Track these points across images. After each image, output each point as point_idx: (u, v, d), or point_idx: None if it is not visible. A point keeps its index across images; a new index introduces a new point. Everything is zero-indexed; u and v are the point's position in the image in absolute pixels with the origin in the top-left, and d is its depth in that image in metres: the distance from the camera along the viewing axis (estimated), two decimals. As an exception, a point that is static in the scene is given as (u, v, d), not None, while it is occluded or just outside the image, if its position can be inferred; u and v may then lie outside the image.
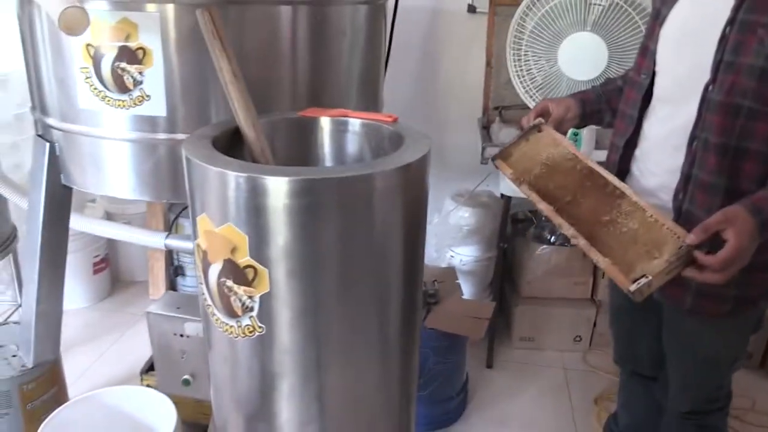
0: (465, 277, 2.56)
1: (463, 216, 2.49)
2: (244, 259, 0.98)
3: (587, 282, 2.55)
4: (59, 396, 1.86)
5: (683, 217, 1.25)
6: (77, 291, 2.78)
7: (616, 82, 1.53)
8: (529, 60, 2.01)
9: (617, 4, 1.88)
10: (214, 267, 1.03)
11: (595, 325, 2.57)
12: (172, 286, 2.90)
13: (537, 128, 1.38)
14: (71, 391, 1.96)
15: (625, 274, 1.11)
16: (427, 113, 2.73)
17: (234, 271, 1.00)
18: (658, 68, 1.31)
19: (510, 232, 2.59)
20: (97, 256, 2.87)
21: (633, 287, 1.08)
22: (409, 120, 2.72)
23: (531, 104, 2.00)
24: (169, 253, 2.88)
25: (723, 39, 1.17)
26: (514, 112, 2.50)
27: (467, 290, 2.61)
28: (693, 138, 1.22)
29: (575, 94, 1.53)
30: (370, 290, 1.06)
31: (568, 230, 1.22)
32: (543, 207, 1.27)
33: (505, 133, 2.34)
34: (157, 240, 1.64)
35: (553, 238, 2.52)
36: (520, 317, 2.57)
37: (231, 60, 1.20)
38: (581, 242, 1.19)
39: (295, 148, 1.28)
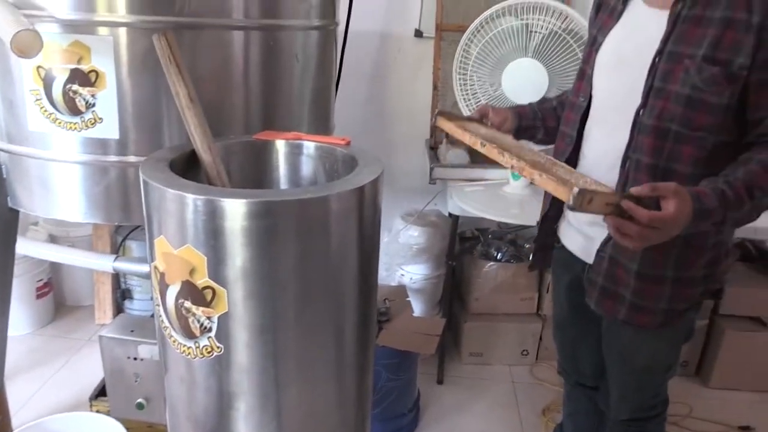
0: (415, 294, 2.61)
1: (413, 235, 2.54)
2: (202, 280, 1.00)
3: (533, 297, 2.63)
4: (2, 426, 1.81)
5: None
6: (20, 316, 2.69)
7: (552, 102, 1.61)
8: (474, 84, 2.09)
9: (556, 32, 1.98)
10: (172, 288, 1.05)
11: (541, 339, 2.66)
12: (119, 309, 2.85)
13: (482, 122, 1.43)
14: (15, 420, 1.91)
15: (567, 185, 1.06)
16: (376, 135, 2.78)
17: (192, 293, 1.02)
18: (594, 92, 1.39)
19: (458, 250, 2.66)
20: (40, 281, 2.80)
21: (574, 191, 1.02)
22: (359, 142, 2.76)
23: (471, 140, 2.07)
24: (116, 277, 2.83)
25: (653, 67, 1.25)
26: (460, 134, 2.57)
27: (417, 308, 2.66)
28: (626, 158, 1.30)
29: (513, 108, 1.58)
30: (327, 309, 1.09)
31: (509, 156, 1.18)
32: (484, 142, 1.25)
33: (452, 155, 2.42)
34: (105, 263, 1.63)
35: (499, 255, 2.59)
36: (469, 333, 2.63)
37: (188, 84, 1.22)
38: (521, 164, 1.15)
39: (251, 171, 1.31)
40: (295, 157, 1.29)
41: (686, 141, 1.23)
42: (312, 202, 0.98)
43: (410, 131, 2.75)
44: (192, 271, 1.00)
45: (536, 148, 1.39)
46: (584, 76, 1.42)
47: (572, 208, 1.04)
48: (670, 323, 1.39)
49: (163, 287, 1.06)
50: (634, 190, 1.09)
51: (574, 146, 1.43)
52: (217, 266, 0.99)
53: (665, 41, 1.24)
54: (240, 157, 1.30)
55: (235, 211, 0.96)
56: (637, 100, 1.28)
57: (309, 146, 1.29)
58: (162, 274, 1.06)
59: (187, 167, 1.20)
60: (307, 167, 1.29)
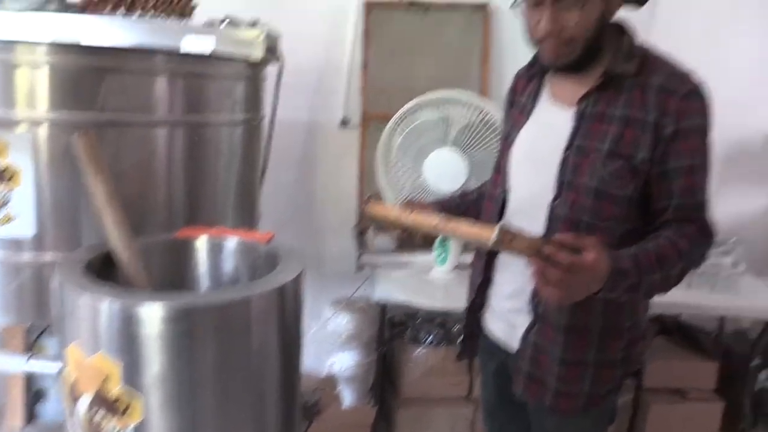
0: (346, 383, 2.56)
1: (342, 322, 2.52)
2: (116, 389, 0.96)
3: (463, 381, 2.63)
4: None
5: (539, 320, 1.37)
6: None
7: (473, 194, 1.67)
8: (398, 172, 2.15)
9: (473, 124, 2.09)
10: (84, 398, 1.00)
11: (473, 422, 2.64)
12: (31, 412, 2.67)
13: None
14: None
15: (488, 228, 1.07)
16: (304, 222, 2.80)
17: (105, 402, 0.98)
18: (510, 184, 1.45)
19: (388, 336, 2.65)
20: (-58, 382, 2.60)
21: (496, 231, 1.04)
22: (287, 229, 2.78)
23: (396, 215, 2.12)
24: (28, 377, 2.66)
25: (563, 162, 1.33)
26: (387, 220, 2.62)
27: (349, 396, 2.60)
28: (543, 249, 1.36)
29: (436, 202, 1.63)
30: (248, 411, 1.07)
31: (432, 218, 1.19)
32: (409, 214, 1.26)
33: (379, 241, 2.45)
34: (17, 363, 1.55)
35: (429, 339, 2.60)
36: (401, 420, 2.58)
37: (107, 183, 1.21)
38: (444, 222, 1.16)
39: (171, 270, 1.29)
40: (216, 254, 1.29)
41: (597, 230, 1.29)
42: (232, 304, 0.98)
43: (338, 218, 2.77)
44: (105, 380, 0.97)
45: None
46: (501, 169, 1.48)
47: (495, 247, 1.05)
48: (593, 406, 1.42)
49: (74, 397, 1.02)
50: (557, 236, 1.11)
51: None
52: (132, 373, 0.96)
53: (573, 137, 1.32)
54: (160, 256, 1.28)
55: (152, 316, 0.94)
56: (551, 193, 1.34)
57: (231, 243, 1.29)
58: (73, 383, 1.02)
59: (105, 267, 1.17)
60: (228, 264, 1.29)
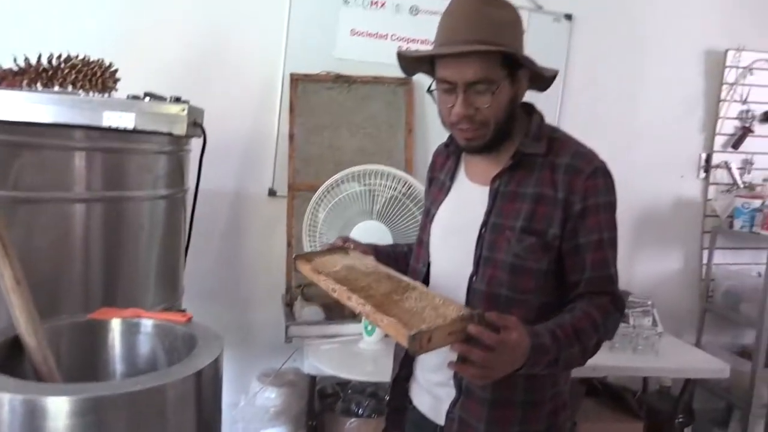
0: (276, 459, 2.48)
1: (270, 397, 2.46)
2: (17, 489, 0.90)
3: (397, 452, 2.59)
4: None
5: (464, 393, 1.37)
6: None
7: (403, 247, 1.67)
8: (324, 243, 2.15)
9: (397, 196, 2.13)
10: (-19, 501, 0.93)
11: (407, 494, 2.58)
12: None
13: (345, 250, 1.44)
14: None
15: (406, 328, 1.06)
16: (231, 293, 2.75)
17: (5, 504, 0.91)
18: (431, 259, 1.48)
19: (318, 408, 2.59)
20: None
21: (412, 333, 1.03)
22: (214, 301, 2.73)
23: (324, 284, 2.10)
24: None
25: (480, 238, 1.37)
26: (315, 290, 2.60)
27: (279, 473, 2.52)
28: (465, 322, 1.38)
29: (369, 244, 1.59)
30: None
31: (356, 301, 1.19)
32: (335, 287, 1.25)
33: (307, 311, 2.43)
34: None
35: (360, 410, 2.55)
36: (334, 496, 2.51)
37: (14, 265, 1.16)
38: (367, 308, 1.15)
39: (83, 353, 1.24)
40: (131, 336, 1.25)
41: (515, 304, 1.33)
42: (144, 393, 0.94)
43: (266, 288, 2.74)
44: (5, 480, 0.91)
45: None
46: (422, 243, 1.51)
47: (413, 354, 1.05)
48: None
49: (-30, 499, 0.95)
50: (480, 314, 1.13)
51: None
52: (36, 470, 0.90)
53: (488, 214, 1.36)
54: (71, 339, 1.23)
55: (58, 409, 0.89)
56: (470, 268, 1.37)
57: (147, 324, 1.25)
58: (-31, 485, 0.95)
59: (11, 354, 1.11)
60: (144, 346, 1.25)
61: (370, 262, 1.40)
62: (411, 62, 1.43)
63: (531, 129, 1.37)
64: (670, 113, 3.13)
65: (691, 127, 3.18)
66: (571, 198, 1.30)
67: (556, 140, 1.37)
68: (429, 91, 1.38)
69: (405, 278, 1.32)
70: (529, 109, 1.42)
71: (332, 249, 1.47)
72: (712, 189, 3.21)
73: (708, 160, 3.20)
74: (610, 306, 1.33)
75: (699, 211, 3.23)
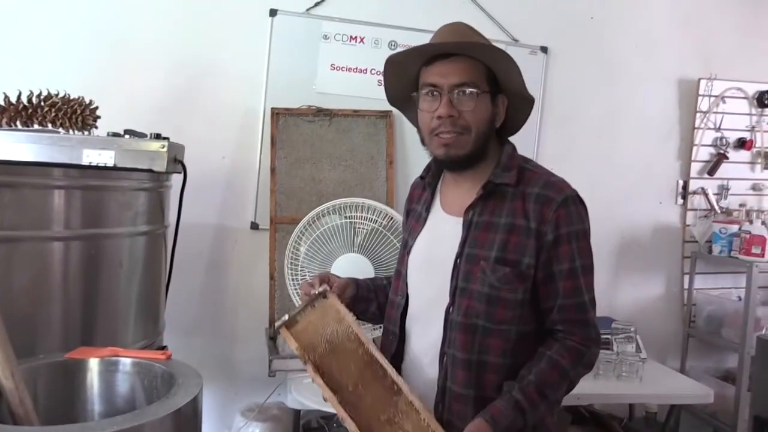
0: (260, 496, 2.44)
1: (254, 432, 2.43)
2: None
3: (383, 485, 2.56)
4: None
5: (445, 426, 1.36)
6: None
7: (382, 281, 1.68)
8: (305, 276, 2.16)
9: (377, 229, 2.15)
10: None
11: None
12: None
13: (323, 295, 1.44)
14: None
15: None
16: (214, 327, 2.73)
17: None
18: (409, 291, 1.49)
19: (303, 443, 2.56)
20: None
21: None
22: (197, 335, 2.71)
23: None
24: None
25: (455, 269, 1.38)
26: (299, 323, 2.60)
27: None
28: (443, 354, 1.38)
29: (349, 278, 1.60)
30: None
31: (350, 425, 1.27)
32: (328, 396, 1.31)
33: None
34: None
35: (345, 443, 2.53)
36: None
37: (-10, 306, 1.16)
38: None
39: (61, 393, 1.23)
40: (110, 375, 1.24)
41: (492, 334, 1.34)
42: (122, 434, 0.94)
43: (249, 321, 2.72)
44: None
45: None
46: (400, 275, 1.52)
47: None
48: None
49: None
50: None
51: (398, 342, 1.49)
52: None
53: (462, 245, 1.38)
54: (49, 379, 1.22)
55: (33, 452, 0.89)
56: (447, 299, 1.38)
57: (125, 363, 1.24)
58: None
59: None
60: (123, 385, 1.24)
61: (350, 324, 1.41)
62: (398, 79, 1.45)
63: (501, 159, 1.40)
64: (647, 141, 3.19)
65: (667, 154, 3.24)
66: (543, 228, 1.32)
67: (527, 170, 1.39)
68: (415, 95, 1.40)
69: (387, 367, 1.35)
70: (502, 139, 1.45)
71: (312, 300, 1.45)
72: (690, 215, 3.26)
73: (685, 186, 3.26)
74: (581, 347, 1.35)
75: (678, 237, 3.28)
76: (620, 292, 3.19)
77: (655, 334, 3.14)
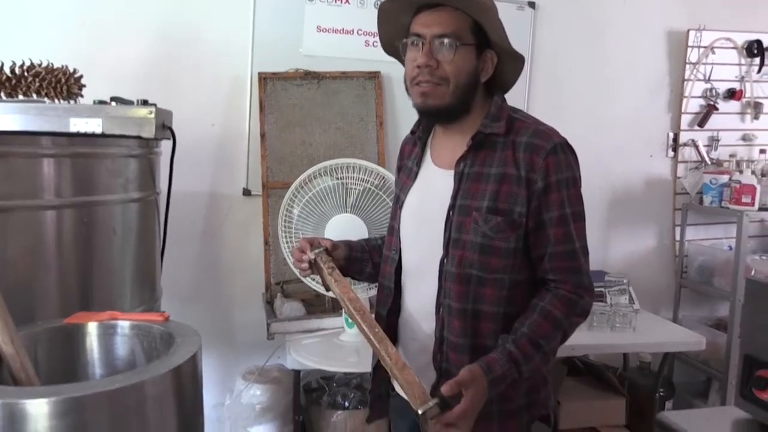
0: (264, 456, 2.49)
1: (255, 394, 2.47)
2: (0, 494, 0.91)
3: (384, 442, 2.61)
4: None
5: (444, 374, 1.39)
6: None
7: (377, 240, 1.70)
8: (300, 238, 2.16)
9: (370, 188, 2.15)
10: (-35, 508, 0.94)
11: (397, 483, 2.61)
12: None
13: (318, 258, 1.46)
14: None
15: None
16: (211, 293, 2.75)
17: None
18: (402, 246, 1.50)
19: (304, 403, 2.60)
20: None
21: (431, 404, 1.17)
22: (193, 303, 2.73)
23: (305, 280, 2.12)
24: None
25: (448, 220, 1.39)
26: (295, 286, 2.62)
27: (268, 470, 2.53)
28: (439, 305, 1.40)
29: (341, 240, 1.63)
30: (148, 500, 1.03)
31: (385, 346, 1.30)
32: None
33: (288, 307, 2.44)
34: None
35: (346, 402, 2.57)
36: (325, 489, 2.53)
37: (-14, 275, 1.16)
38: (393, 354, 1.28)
39: (61, 358, 1.24)
40: (109, 338, 1.25)
41: (486, 284, 1.36)
42: (123, 391, 0.95)
43: (246, 287, 2.74)
44: (-12, 485, 0.91)
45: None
46: (393, 231, 1.53)
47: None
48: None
49: (-45, 507, 0.95)
50: (443, 390, 1.21)
51: (393, 297, 1.51)
52: (19, 474, 0.91)
53: (455, 197, 1.39)
54: (49, 345, 1.23)
55: (38, 412, 0.90)
56: (440, 251, 1.40)
57: (124, 326, 1.25)
58: (-48, 493, 0.95)
59: (-12, 363, 1.12)
60: (123, 348, 1.25)
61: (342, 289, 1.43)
62: (390, 28, 1.46)
63: (491, 110, 1.40)
64: (637, 95, 3.19)
65: (657, 107, 3.24)
66: (533, 176, 1.33)
67: (516, 120, 1.40)
68: (400, 45, 1.41)
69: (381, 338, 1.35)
70: (491, 91, 1.44)
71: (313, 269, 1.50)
72: (681, 167, 3.28)
73: (675, 139, 3.26)
74: (573, 296, 1.36)
75: (669, 189, 3.30)
76: (613, 246, 3.22)
77: (647, 286, 3.18)
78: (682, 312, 3.33)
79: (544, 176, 1.33)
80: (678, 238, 3.30)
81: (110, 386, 0.95)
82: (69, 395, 0.91)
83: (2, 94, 1.79)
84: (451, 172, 1.41)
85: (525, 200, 1.33)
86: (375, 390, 1.62)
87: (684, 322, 3.19)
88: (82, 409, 0.92)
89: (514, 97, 1.46)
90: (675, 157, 3.27)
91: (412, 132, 1.55)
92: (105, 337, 1.25)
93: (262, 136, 2.64)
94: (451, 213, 1.39)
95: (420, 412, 1.18)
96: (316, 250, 1.48)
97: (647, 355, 2.99)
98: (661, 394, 2.95)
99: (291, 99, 2.70)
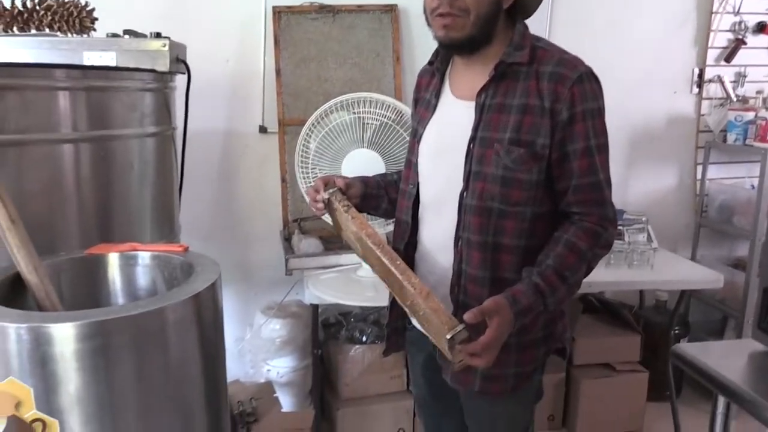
0: (284, 389, 2.56)
1: (275, 328, 2.52)
2: (30, 413, 0.94)
3: (401, 375, 2.66)
4: None
5: (461, 307, 1.40)
6: None
7: (393, 176, 1.68)
8: (317, 174, 2.16)
9: (387, 123, 2.13)
10: (-2, 426, 0.97)
11: (414, 415, 2.67)
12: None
13: (333, 197, 1.46)
14: None
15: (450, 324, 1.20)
16: (229, 231, 2.77)
17: (21, 428, 0.95)
18: (420, 179, 1.49)
19: (323, 338, 2.65)
20: None
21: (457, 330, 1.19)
22: (212, 241, 2.76)
23: (323, 217, 2.13)
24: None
25: (468, 153, 1.37)
26: (312, 223, 2.64)
27: (288, 401, 2.60)
28: (458, 238, 1.40)
29: (356, 177, 1.62)
30: (173, 423, 1.06)
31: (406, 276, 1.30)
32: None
33: (305, 244, 2.46)
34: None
35: (364, 337, 2.62)
36: (343, 420, 2.60)
37: (7, 205, 1.17)
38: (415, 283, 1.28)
39: (84, 288, 1.26)
40: (130, 268, 1.27)
41: (507, 216, 1.35)
42: (145, 316, 0.96)
43: (263, 224, 2.76)
44: (18, 405, 0.94)
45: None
46: (411, 165, 1.52)
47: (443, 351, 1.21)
48: (521, 386, 1.47)
49: (-12, 426, 0.98)
50: (466, 318, 1.22)
51: (411, 231, 1.51)
52: (47, 395, 0.94)
53: (476, 128, 1.36)
54: (71, 275, 1.25)
55: (63, 335, 0.92)
56: (460, 184, 1.38)
57: (144, 256, 1.27)
58: (-15, 413, 0.98)
59: (13, 291, 1.14)
60: (144, 278, 1.27)
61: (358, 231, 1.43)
62: None
63: (513, 39, 1.36)
64: (662, 28, 3.08)
65: (683, 41, 3.14)
66: (557, 106, 1.29)
67: (540, 49, 1.36)
68: None
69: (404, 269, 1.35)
70: (514, 20, 1.40)
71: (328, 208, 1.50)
72: (705, 104, 3.20)
73: (701, 74, 3.17)
74: (597, 228, 1.34)
75: (692, 127, 3.23)
76: (632, 184, 3.18)
77: (666, 225, 3.15)
78: (700, 251, 3.31)
79: (569, 106, 1.29)
80: (699, 176, 3.25)
81: (133, 311, 0.97)
82: (93, 319, 0.93)
83: (15, 28, 1.77)
84: (472, 104, 1.38)
85: (548, 131, 1.31)
86: (392, 323, 1.64)
87: (702, 261, 3.18)
88: (106, 333, 0.94)
89: (534, 27, 1.42)
90: (699, 93, 3.19)
91: (430, 63, 1.51)
92: (126, 267, 1.27)
93: (278, 72, 2.61)
94: (471, 145, 1.37)
95: (448, 336, 1.18)
96: (330, 190, 1.47)
97: (664, 293, 2.99)
98: (676, 331, 2.97)
99: (306, 34, 2.65)
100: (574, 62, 1.33)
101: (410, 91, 1.99)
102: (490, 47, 1.36)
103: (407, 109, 2.14)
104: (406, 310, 1.34)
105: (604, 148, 1.35)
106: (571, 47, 1.38)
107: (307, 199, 1.59)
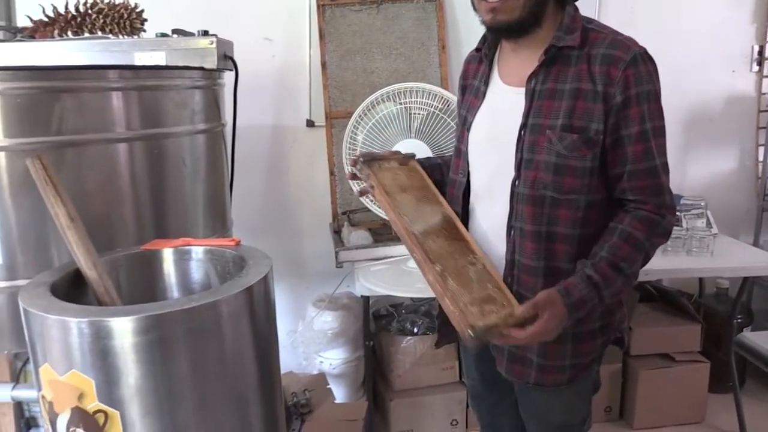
0: (337, 380, 2.58)
1: (327, 320, 2.54)
2: (92, 404, 0.97)
3: (454, 366, 2.65)
4: None
5: (516, 298, 1.38)
6: None
7: (437, 160, 1.67)
8: (366, 167, 2.16)
9: (434, 112, 2.11)
10: (62, 417, 1.00)
11: (467, 406, 2.66)
12: (23, 441, 2.65)
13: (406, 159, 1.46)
14: None
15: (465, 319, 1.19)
16: (280, 225, 2.81)
17: (83, 419, 0.98)
18: (471, 168, 1.47)
19: (374, 329, 2.66)
20: (-69, 422, 2.57)
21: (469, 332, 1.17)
22: (263, 235, 2.80)
23: (371, 208, 2.14)
24: (18, 405, 2.64)
25: (519, 140, 1.34)
26: (361, 216, 2.64)
27: (341, 393, 2.62)
28: (510, 228, 1.37)
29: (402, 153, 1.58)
30: (229, 414, 1.07)
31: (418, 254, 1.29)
32: (393, 217, 1.33)
33: (355, 236, 2.46)
34: (2, 392, 1.55)
35: (415, 328, 2.62)
36: (396, 411, 2.60)
37: (66, 204, 1.20)
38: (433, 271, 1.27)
39: (141, 282, 1.29)
40: (184, 263, 1.29)
41: (561, 204, 1.32)
42: (200, 309, 0.98)
43: (313, 218, 2.79)
44: (80, 396, 0.97)
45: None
46: (460, 153, 1.49)
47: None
48: (577, 378, 1.44)
49: (53, 417, 1.02)
50: (519, 311, 1.23)
51: (462, 220, 1.49)
52: (107, 387, 0.96)
53: (526, 115, 1.33)
54: (128, 270, 1.28)
55: (122, 328, 0.94)
56: (512, 173, 1.36)
57: (198, 251, 1.29)
58: (50, 403, 1.02)
59: (74, 287, 1.17)
60: (198, 272, 1.29)
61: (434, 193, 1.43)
62: None
63: (563, 21, 1.32)
64: (718, 4, 2.96)
65: (741, 17, 3.00)
66: (610, 90, 1.25)
67: (591, 30, 1.31)
68: None
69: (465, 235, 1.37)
70: (563, 2, 1.36)
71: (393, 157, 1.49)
72: (766, 82, 3.06)
73: (761, 52, 3.03)
74: (654, 216, 1.30)
75: (753, 107, 3.09)
76: (690, 167, 3.07)
77: (726, 210, 3.03)
78: (763, 237, 3.17)
79: (623, 89, 1.25)
80: (761, 158, 3.11)
81: (187, 305, 0.98)
82: (150, 313, 0.95)
83: (69, 33, 1.82)
84: (522, 90, 1.35)
85: (602, 116, 1.27)
86: (442, 315, 1.63)
87: (765, 246, 3.05)
88: (163, 326, 0.96)
89: (583, 7, 1.37)
90: (760, 71, 3.05)
91: (477, 49, 1.49)
92: (180, 262, 1.29)
93: (323, 65, 2.62)
94: (522, 132, 1.34)
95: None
96: (359, 163, 1.44)
97: (725, 280, 2.88)
98: (739, 320, 2.86)
99: (350, 26, 2.65)
100: (628, 43, 1.28)
101: (457, 81, 1.97)
102: (539, 31, 1.33)
103: (454, 98, 2.12)
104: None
105: (660, 132, 1.30)
106: (623, 28, 1.34)
107: (356, 189, 1.57)
